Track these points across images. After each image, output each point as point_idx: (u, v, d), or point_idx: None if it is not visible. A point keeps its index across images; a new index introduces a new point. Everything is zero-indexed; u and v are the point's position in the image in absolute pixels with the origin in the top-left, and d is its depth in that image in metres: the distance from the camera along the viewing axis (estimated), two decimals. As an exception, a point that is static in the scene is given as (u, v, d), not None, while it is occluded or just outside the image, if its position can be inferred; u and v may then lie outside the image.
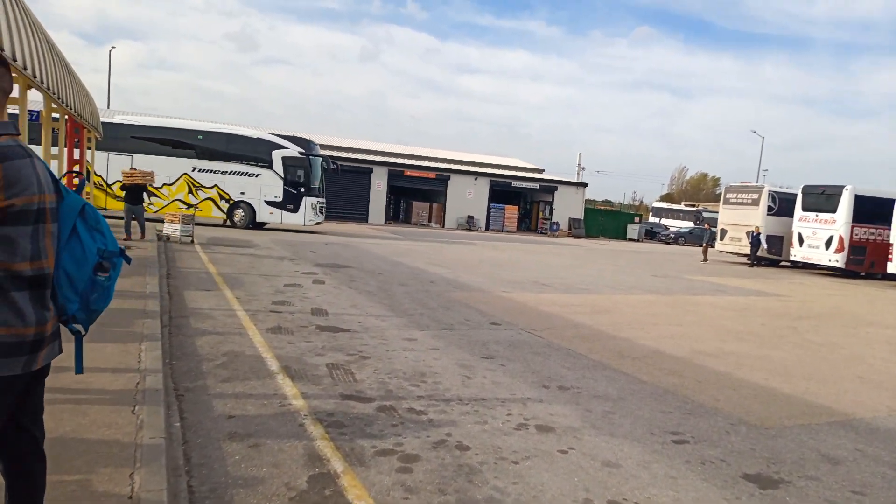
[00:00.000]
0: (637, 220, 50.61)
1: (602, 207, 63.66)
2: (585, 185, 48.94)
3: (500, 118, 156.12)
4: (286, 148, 23.87)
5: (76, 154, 16.27)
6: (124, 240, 14.51)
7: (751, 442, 5.09)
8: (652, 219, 57.80)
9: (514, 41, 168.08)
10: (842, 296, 17.62)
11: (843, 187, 23.89)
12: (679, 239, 46.18)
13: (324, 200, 25.47)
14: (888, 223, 21.59)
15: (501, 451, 4.45)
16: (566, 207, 45.30)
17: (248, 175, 23.68)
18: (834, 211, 23.88)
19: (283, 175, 23.80)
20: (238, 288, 10.21)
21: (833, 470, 4.64)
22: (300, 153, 23.89)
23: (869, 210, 23.50)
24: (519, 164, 55.81)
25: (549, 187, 45.75)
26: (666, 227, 50.81)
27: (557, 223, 44.44)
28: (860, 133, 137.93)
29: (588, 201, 61.93)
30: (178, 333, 6.99)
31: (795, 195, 25.59)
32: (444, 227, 41.23)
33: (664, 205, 63.76)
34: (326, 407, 5.04)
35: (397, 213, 44.24)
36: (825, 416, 5.98)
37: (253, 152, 23.77)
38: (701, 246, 31.21)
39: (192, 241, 16.42)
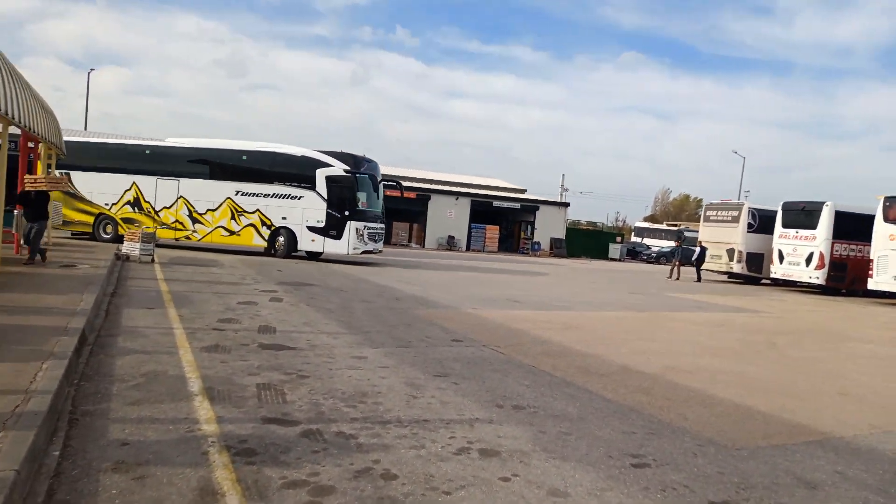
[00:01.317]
0: (619, 239, 50.43)
1: (585, 228, 63.55)
2: (567, 204, 48.76)
3: (488, 141, 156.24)
4: (331, 166, 20.59)
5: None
6: (27, 262, 11.99)
7: (719, 464, 4.56)
8: (634, 238, 57.65)
9: (501, 66, 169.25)
10: (821, 312, 17.25)
11: (822, 203, 23.65)
12: (661, 258, 45.94)
13: (379, 226, 21.90)
14: (868, 239, 21.33)
15: (434, 480, 3.88)
16: (548, 227, 44.98)
17: (291, 198, 20.84)
18: (814, 227, 23.62)
19: (326, 196, 20.54)
20: (185, 306, 9.59)
21: (809, 496, 4.11)
22: (345, 171, 20.46)
23: (849, 226, 23.25)
24: (501, 184, 55.56)
25: (531, 207, 45.47)
26: (648, 247, 50.61)
27: (539, 243, 44.07)
28: (841, 155, 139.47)
29: (573, 222, 61.87)
30: (99, 352, 6.37)
31: (775, 212, 25.33)
32: (424, 247, 40.71)
33: (646, 224, 63.72)
34: (242, 432, 4.45)
35: (378, 234, 43.62)
36: (802, 435, 5.46)
37: (296, 172, 20.93)
38: (670, 263, 30.89)
39: (153, 261, 15.76)
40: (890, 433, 5.71)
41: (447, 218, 42.11)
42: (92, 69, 55.20)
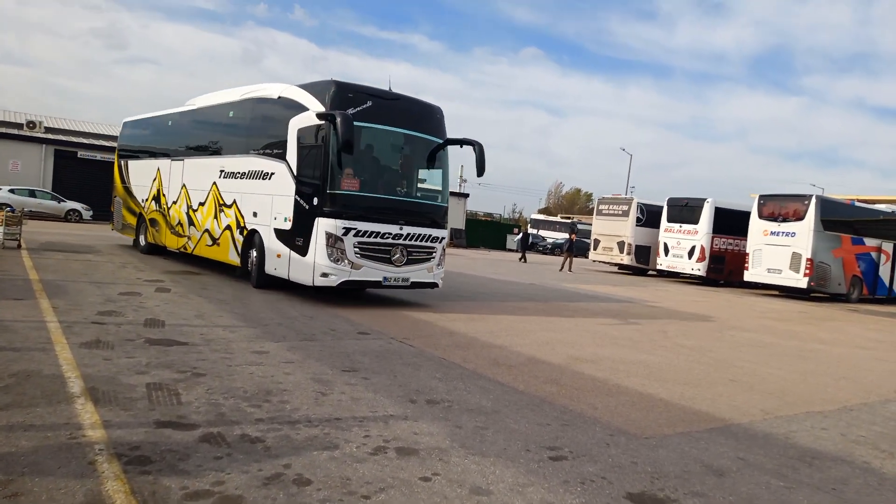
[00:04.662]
0: (516, 231, 51.55)
1: (483, 219, 64.51)
2: (467, 195, 49.29)
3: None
4: (305, 110, 10.68)
5: None
6: None
7: (632, 454, 4.62)
8: (530, 230, 59.16)
9: (397, 54, 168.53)
10: (705, 302, 18.36)
11: (704, 200, 25.23)
12: (556, 249, 47.43)
13: (405, 233, 10.93)
14: (744, 234, 22.97)
15: (351, 484, 3.65)
16: (448, 218, 45.18)
17: (262, 177, 11.76)
18: (696, 222, 25.14)
19: (295, 170, 10.84)
20: (59, 297, 8.70)
21: (719, 483, 4.23)
22: (318, 115, 10.24)
23: (728, 222, 24.96)
24: (400, 174, 55.14)
25: (431, 198, 45.44)
26: (543, 238, 52.11)
27: (438, 234, 44.22)
28: (716, 156, 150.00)
29: (471, 213, 62.54)
30: (-43, 351, 5.61)
31: (662, 207, 26.76)
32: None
33: (542, 217, 65.64)
34: (133, 438, 4.01)
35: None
36: (704, 422, 5.67)
37: (272, 129, 11.73)
38: (562, 255, 31.90)
39: (20, 246, 14.31)
40: (780, 418, 6.05)
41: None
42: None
